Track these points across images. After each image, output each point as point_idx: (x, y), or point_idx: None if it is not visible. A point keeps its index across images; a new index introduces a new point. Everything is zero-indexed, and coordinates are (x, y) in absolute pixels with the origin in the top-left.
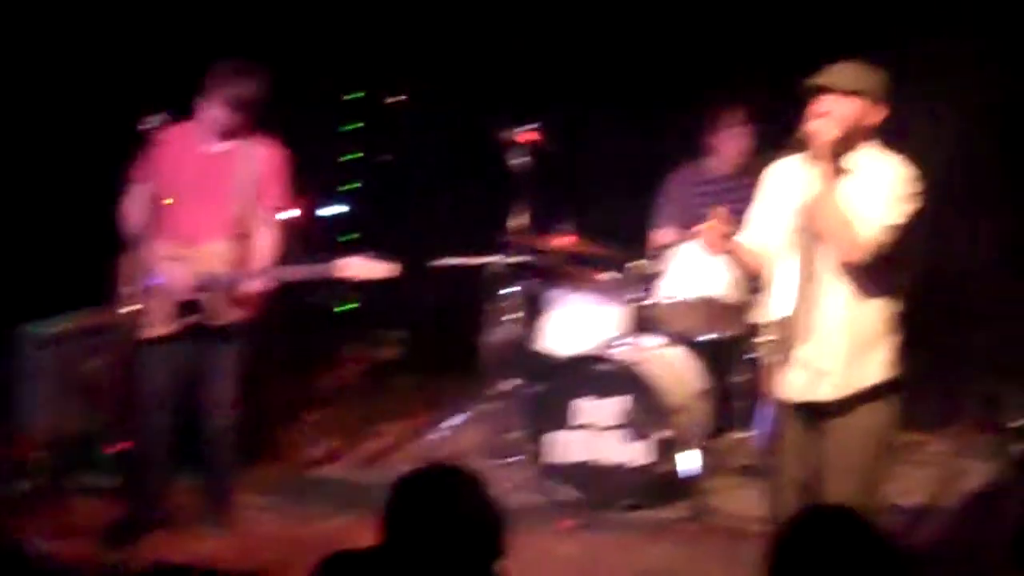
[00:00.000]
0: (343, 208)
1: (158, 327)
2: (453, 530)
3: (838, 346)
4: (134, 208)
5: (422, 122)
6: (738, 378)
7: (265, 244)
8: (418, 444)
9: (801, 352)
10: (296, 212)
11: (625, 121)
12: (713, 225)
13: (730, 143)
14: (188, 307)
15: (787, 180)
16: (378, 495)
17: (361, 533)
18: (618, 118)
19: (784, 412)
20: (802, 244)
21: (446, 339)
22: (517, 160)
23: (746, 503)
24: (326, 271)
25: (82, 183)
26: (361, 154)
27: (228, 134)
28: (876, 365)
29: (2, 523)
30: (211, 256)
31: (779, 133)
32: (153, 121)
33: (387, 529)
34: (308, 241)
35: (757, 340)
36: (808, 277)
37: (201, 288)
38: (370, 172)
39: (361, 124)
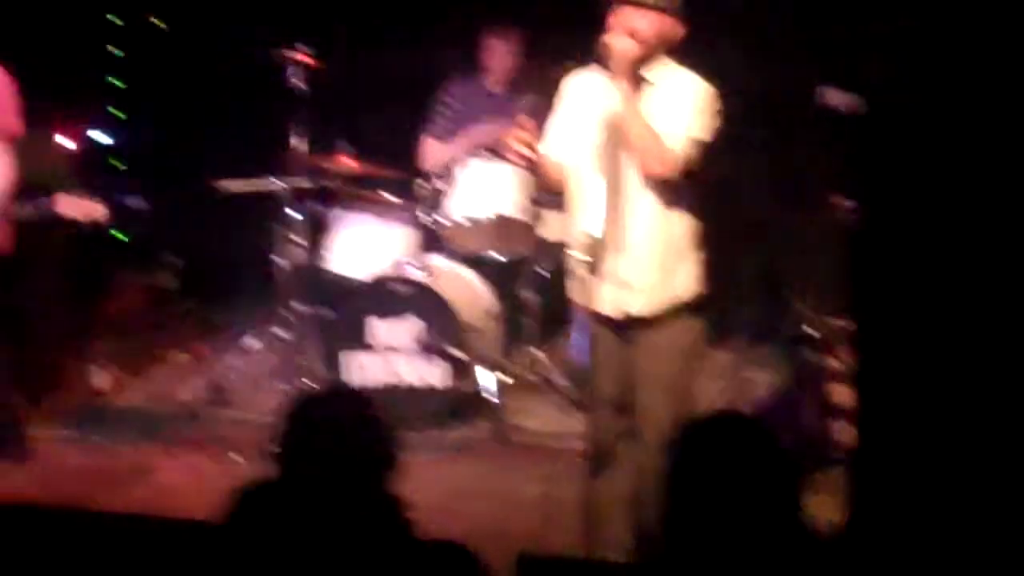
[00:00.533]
0: (109, 135)
1: None
2: (340, 448)
3: (647, 260)
4: None
5: (188, 45)
6: (529, 295)
7: None
8: (206, 370)
9: (611, 266)
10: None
11: (400, 36)
12: (521, 135)
13: (502, 59)
14: None
15: (586, 94)
16: (170, 424)
17: (160, 462)
18: (392, 34)
19: (596, 327)
20: (606, 158)
21: (224, 265)
22: (293, 80)
23: (543, 419)
24: (46, 207)
25: None
26: (122, 83)
27: None
28: (685, 279)
29: None
30: None
31: (558, 46)
32: None
33: (284, 456)
34: (82, 167)
35: (568, 255)
36: (614, 191)
37: None
38: (138, 98)
39: (121, 53)
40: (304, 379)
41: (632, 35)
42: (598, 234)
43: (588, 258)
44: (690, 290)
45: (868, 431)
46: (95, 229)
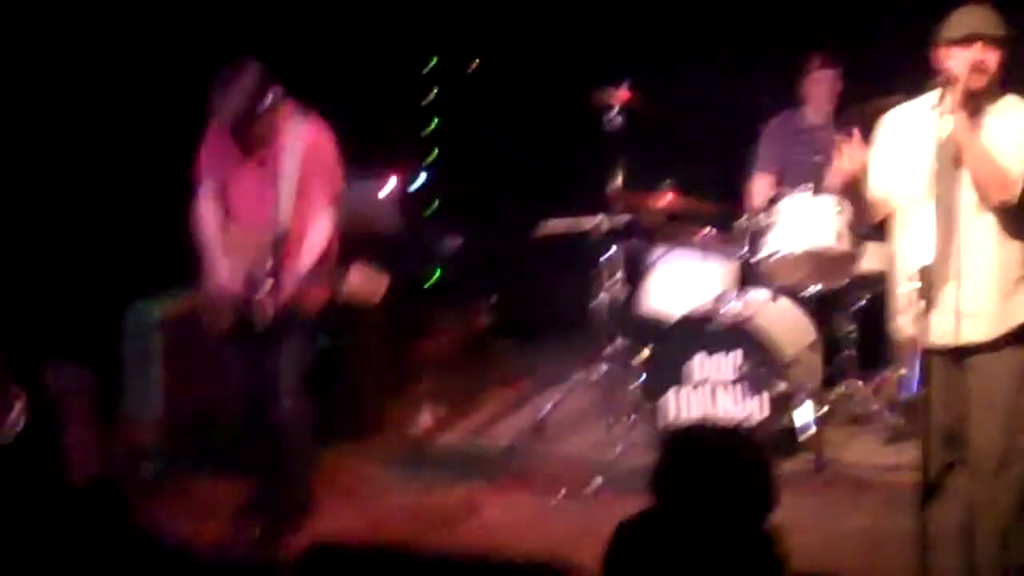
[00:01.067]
0: (424, 179)
1: (220, 323)
2: (727, 486)
3: (987, 287)
4: (202, 203)
5: (503, 88)
6: (847, 327)
7: (310, 243)
8: (527, 409)
9: (948, 296)
10: (392, 185)
11: (715, 73)
12: (851, 153)
13: (820, 90)
14: (242, 304)
15: (909, 128)
16: (493, 462)
17: (486, 499)
18: (707, 71)
19: (930, 358)
20: (940, 188)
21: (542, 303)
22: (611, 120)
23: (863, 452)
24: (339, 284)
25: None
26: (436, 123)
27: (252, 140)
28: (1023, 303)
29: (130, 510)
30: (256, 252)
31: (867, 82)
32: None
33: (660, 490)
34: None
35: (893, 286)
36: (947, 221)
37: (248, 287)
38: (453, 141)
39: (435, 91)
40: (626, 415)
41: (978, 68)
42: (931, 264)
43: (921, 288)
44: None
45: None
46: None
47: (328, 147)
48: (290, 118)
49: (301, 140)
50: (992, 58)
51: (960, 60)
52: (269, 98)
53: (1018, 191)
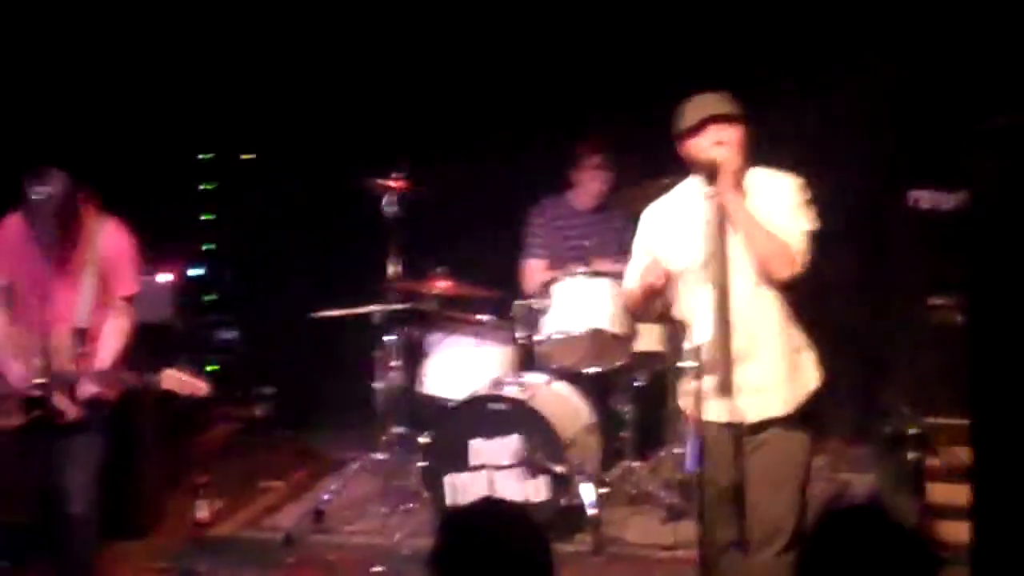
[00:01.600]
0: (202, 270)
1: (9, 419)
2: (506, 565)
3: (776, 362)
4: None
5: (278, 176)
6: (624, 408)
7: (110, 338)
8: (306, 498)
9: (740, 376)
10: (168, 277)
11: (485, 159)
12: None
13: (591, 178)
14: (33, 402)
15: (672, 217)
16: (273, 551)
17: None
18: (478, 157)
19: (710, 436)
20: (714, 270)
21: (320, 392)
22: (386, 207)
23: (644, 531)
24: (153, 382)
25: None
26: (214, 216)
27: (54, 238)
28: (811, 370)
29: None
30: (55, 350)
31: (638, 166)
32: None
33: (439, 571)
34: (182, 303)
35: (680, 368)
36: (723, 303)
37: (42, 386)
38: (229, 231)
39: (214, 185)
40: (406, 501)
41: (722, 145)
42: (707, 342)
43: (697, 367)
44: (816, 379)
45: (985, 529)
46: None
47: (128, 248)
48: (92, 218)
49: (103, 240)
50: (732, 134)
51: (704, 145)
52: (78, 202)
53: (800, 264)
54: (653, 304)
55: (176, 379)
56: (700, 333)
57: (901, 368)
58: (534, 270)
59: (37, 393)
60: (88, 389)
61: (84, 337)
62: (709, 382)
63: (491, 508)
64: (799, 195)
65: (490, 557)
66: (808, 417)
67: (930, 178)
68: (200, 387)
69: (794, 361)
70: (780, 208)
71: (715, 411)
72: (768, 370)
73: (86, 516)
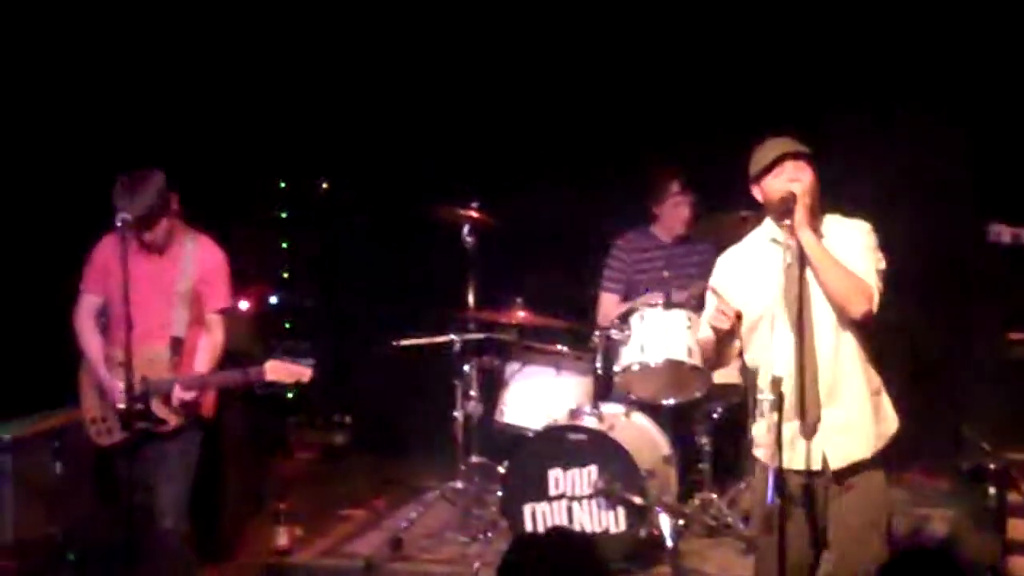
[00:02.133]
0: (278, 297)
1: (110, 436)
2: None
3: (862, 403)
4: (84, 317)
5: (356, 204)
6: (702, 439)
7: (205, 349)
8: (384, 526)
9: (824, 418)
10: (246, 304)
11: (563, 191)
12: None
13: (674, 205)
14: (133, 415)
15: (743, 266)
16: None
17: None
18: (556, 188)
19: (792, 480)
20: (792, 312)
21: (398, 420)
22: (464, 238)
23: (723, 563)
24: (256, 375)
25: (32, 281)
26: (292, 243)
27: (150, 245)
28: (891, 412)
29: None
30: (150, 361)
31: (717, 199)
32: (126, 220)
33: None
34: (261, 330)
35: (760, 415)
36: (802, 343)
37: (141, 397)
38: (307, 258)
39: (285, 214)
40: (484, 531)
41: (798, 181)
42: (788, 376)
43: (774, 400)
44: (896, 421)
45: None
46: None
47: (222, 262)
48: (185, 230)
49: (196, 254)
50: (805, 172)
51: (778, 184)
52: (172, 205)
53: (877, 300)
54: (728, 349)
55: (281, 368)
56: (779, 368)
57: (981, 403)
58: (607, 304)
59: (139, 407)
60: (185, 395)
61: (179, 348)
62: (789, 429)
63: (560, 537)
64: (869, 238)
65: None
66: (886, 459)
67: (1010, 213)
68: (304, 372)
69: (876, 403)
70: (852, 250)
71: (797, 459)
72: (852, 412)
73: (178, 531)
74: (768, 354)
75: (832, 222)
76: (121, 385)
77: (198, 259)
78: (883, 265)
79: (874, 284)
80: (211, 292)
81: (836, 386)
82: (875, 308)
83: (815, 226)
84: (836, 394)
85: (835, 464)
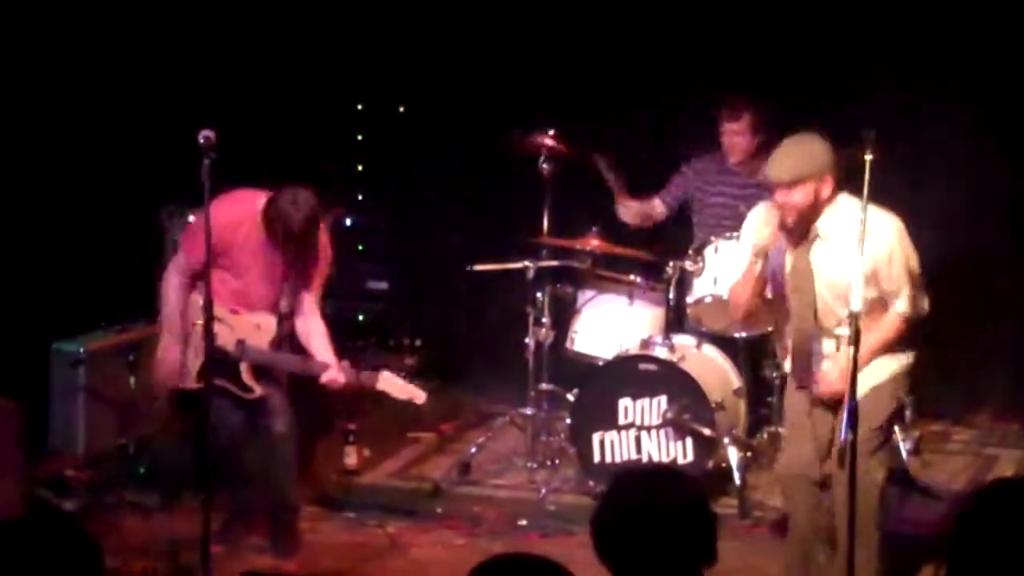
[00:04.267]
0: (352, 219)
1: (186, 382)
2: (667, 530)
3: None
4: (171, 281)
5: (433, 129)
6: (773, 374)
7: (320, 335)
8: (452, 450)
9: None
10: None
11: (642, 120)
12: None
13: (730, 141)
14: (216, 369)
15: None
16: (422, 501)
17: (412, 538)
18: (634, 117)
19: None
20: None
21: (466, 345)
22: (544, 165)
23: None
24: (369, 381)
25: (106, 198)
26: (368, 165)
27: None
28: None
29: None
30: (257, 327)
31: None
32: (208, 137)
33: (603, 531)
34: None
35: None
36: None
37: (234, 355)
38: (383, 181)
39: (362, 136)
40: (552, 458)
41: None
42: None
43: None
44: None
45: None
46: None
47: (330, 249)
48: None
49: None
50: (796, 196)
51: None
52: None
53: (918, 316)
54: (757, 300)
55: (393, 383)
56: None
57: None
58: (645, 203)
59: (222, 359)
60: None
61: (283, 324)
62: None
63: (659, 472)
64: (899, 244)
65: (658, 524)
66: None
67: None
68: (418, 395)
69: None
70: (883, 268)
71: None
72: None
73: (289, 434)
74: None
75: (852, 210)
76: (226, 337)
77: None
78: (916, 262)
79: (910, 313)
80: (319, 273)
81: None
82: (913, 311)
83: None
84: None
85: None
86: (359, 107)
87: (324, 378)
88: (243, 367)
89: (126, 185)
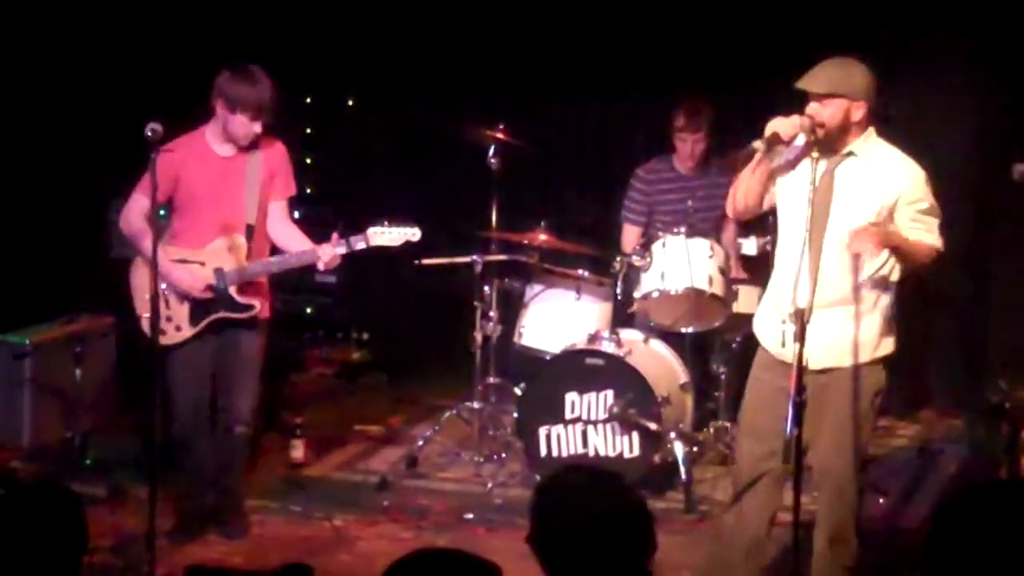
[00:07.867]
0: (300, 212)
1: (178, 332)
2: (604, 529)
3: (857, 316)
4: (138, 219)
5: (380, 122)
6: (720, 368)
7: (294, 237)
8: (399, 443)
9: (815, 320)
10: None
11: (592, 116)
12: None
13: (680, 142)
14: (206, 305)
15: (791, 184)
16: (369, 494)
17: (359, 531)
18: (584, 112)
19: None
20: (814, 232)
21: (414, 340)
22: (492, 159)
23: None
24: (359, 243)
25: (52, 193)
26: (310, 159)
27: (237, 139)
28: (889, 334)
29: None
30: (231, 250)
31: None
32: (155, 130)
33: (538, 530)
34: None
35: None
36: (816, 262)
37: (219, 284)
38: (330, 174)
39: (311, 129)
40: (499, 451)
41: (814, 122)
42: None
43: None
44: (890, 347)
45: None
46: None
47: (285, 152)
48: None
49: (266, 148)
50: (826, 111)
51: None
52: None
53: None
54: (757, 201)
55: (384, 235)
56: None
57: (1000, 341)
58: (629, 236)
59: (209, 295)
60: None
61: (252, 235)
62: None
63: (583, 471)
64: (926, 189)
65: (593, 521)
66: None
67: None
68: (413, 232)
69: (874, 320)
70: (914, 204)
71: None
72: (842, 322)
73: (249, 436)
74: (791, 279)
75: (883, 147)
76: (202, 272)
77: (268, 155)
78: (940, 219)
79: (939, 245)
80: (281, 180)
81: (836, 295)
82: (941, 250)
83: (840, 151)
84: (831, 299)
85: (814, 365)
86: (307, 100)
87: (323, 262)
88: (232, 290)
89: (72, 177)
